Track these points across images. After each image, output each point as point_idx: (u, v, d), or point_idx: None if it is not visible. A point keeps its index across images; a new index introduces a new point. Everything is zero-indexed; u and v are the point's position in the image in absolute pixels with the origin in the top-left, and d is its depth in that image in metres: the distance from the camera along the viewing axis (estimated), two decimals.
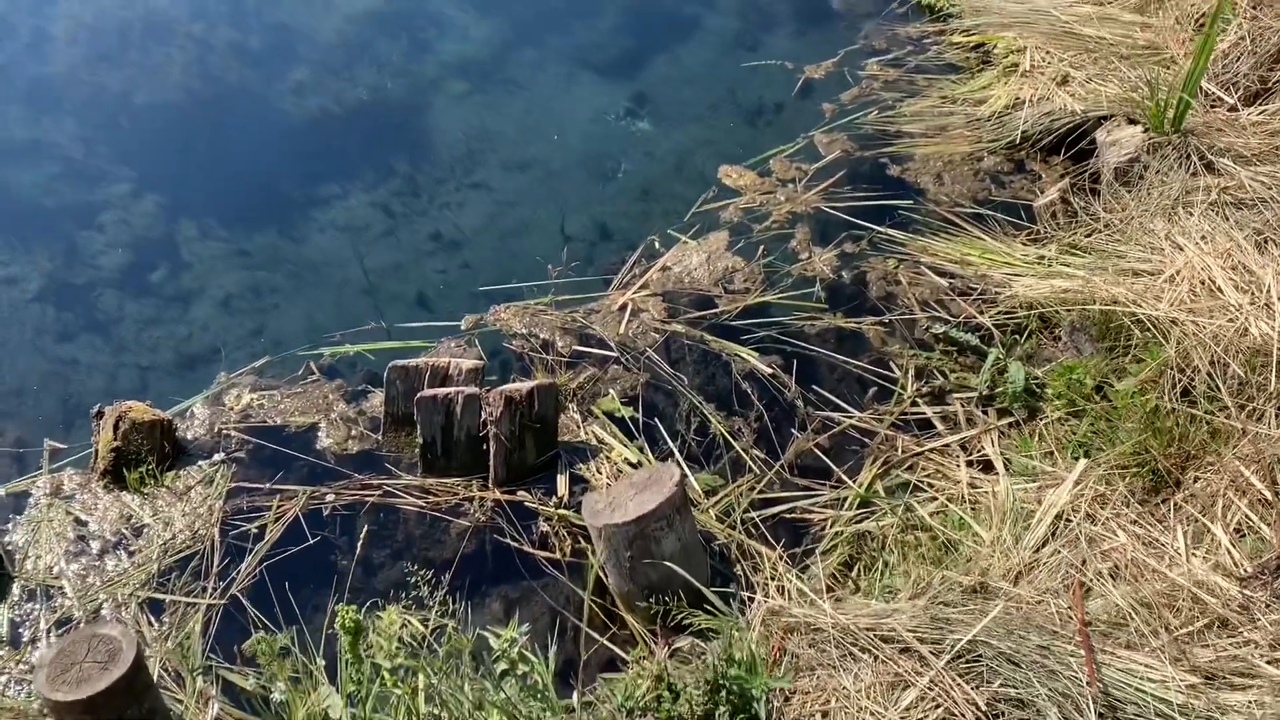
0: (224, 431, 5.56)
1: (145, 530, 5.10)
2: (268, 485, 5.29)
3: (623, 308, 6.26)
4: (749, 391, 5.81)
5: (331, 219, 7.19)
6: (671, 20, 8.92)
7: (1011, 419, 5.47)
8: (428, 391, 5.10)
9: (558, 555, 5.07)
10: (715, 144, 7.62)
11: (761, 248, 6.69)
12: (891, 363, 5.92)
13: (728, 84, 8.17)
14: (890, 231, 6.70)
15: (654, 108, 8.02)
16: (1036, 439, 5.31)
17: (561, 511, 5.13)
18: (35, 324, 6.39)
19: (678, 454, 5.48)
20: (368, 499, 5.21)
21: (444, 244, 7.05)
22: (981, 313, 6.06)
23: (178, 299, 6.72)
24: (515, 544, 5.09)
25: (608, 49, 8.61)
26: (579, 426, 5.57)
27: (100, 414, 5.36)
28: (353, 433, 5.52)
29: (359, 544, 5.13)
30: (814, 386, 5.83)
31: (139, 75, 7.93)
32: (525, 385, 5.18)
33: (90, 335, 6.32)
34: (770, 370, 5.86)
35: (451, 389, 5.11)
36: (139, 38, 8.31)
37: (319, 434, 5.59)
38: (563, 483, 5.28)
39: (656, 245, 6.86)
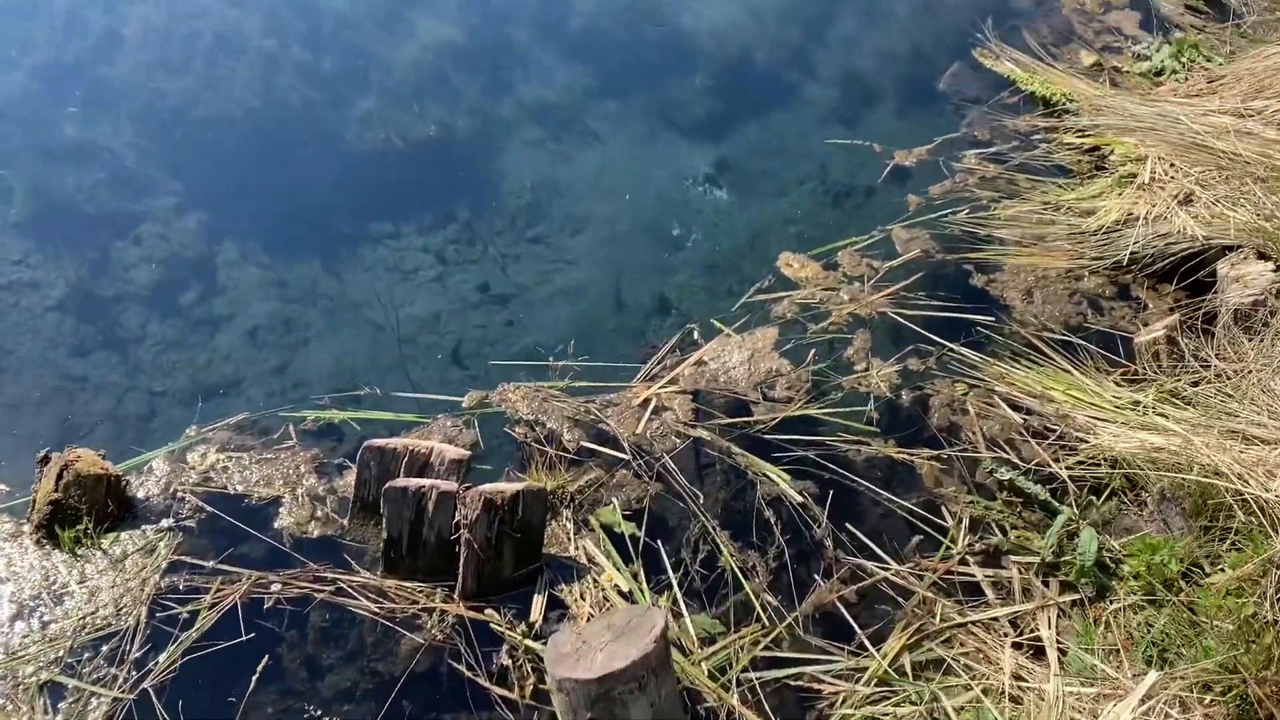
0: (179, 494, 4.90)
1: (67, 598, 4.44)
2: (211, 563, 4.60)
3: (645, 403, 5.48)
4: (772, 521, 4.96)
5: (380, 258, 6.59)
6: (767, 84, 8.21)
7: (1076, 596, 4.59)
8: (399, 481, 4.39)
9: (515, 695, 4.29)
10: (794, 224, 6.87)
11: (813, 352, 5.84)
12: (944, 507, 5.05)
13: (818, 160, 7.43)
14: (964, 351, 5.81)
15: (735, 177, 7.29)
16: (1102, 627, 4.40)
17: (529, 643, 4.36)
18: (50, 334, 5.93)
19: (676, 588, 4.68)
20: (318, 594, 4.51)
21: (490, 297, 6.37)
22: (1057, 460, 5.16)
23: (205, 323, 6.09)
24: (470, 674, 4.34)
25: (694, 109, 7.88)
26: (570, 538, 4.80)
27: (46, 459, 4.76)
28: (317, 513, 4.84)
29: (288, 645, 4.43)
30: (849, 525, 4.98)
31: (201, 87, 7.49)
32: (510, 488, 4.41)
33: (106, 352, 5.84)
34: (801, 498, 5.00)
35: (427, 481, 4.40)
36: (207, 47, 7.86)
37: (280, 510, 4.89)
38: (538, 605, 4.53)
39: (696, 335, 6.04)
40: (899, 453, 5.29)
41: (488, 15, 8.66)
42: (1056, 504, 4.96)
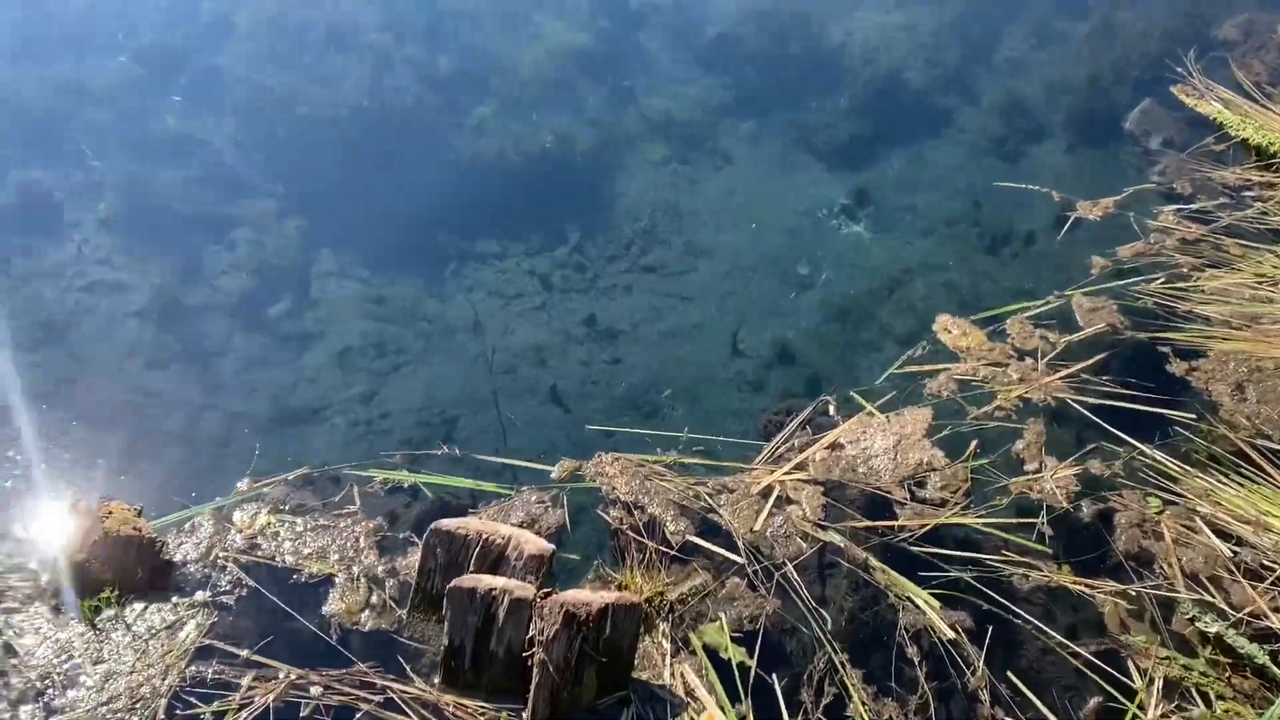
0: (221, 561, 4.15)
1: (78, 683, 3.70)
2: (246, 652, 3.82)
3: (766, 492, 4.50)
4: (915, 660, 3.94)
5: (483, 279, 5.87)
6: (920, 108, 7.22)
7: None
8: (466, 580, 3.58)
9: None
10: (942, 271, 5.88)
11: (975, 444, 4.79)
12: (1131, 660, 3.94)
13: (971, 197, 6.41)
14: (1158, 455, 4.66)
15: (876, 211, 6.35)
16: None
17: None
18: (129, 342, 5.35)
19: None
20: (363, 704, 3.72)
21: (597, 332, 5.57)
22: (1278, 611, 4.01)
23: (292, 340, 5.45)
24: None
25: (837, 131, 6.91)
26: (665, 661, 3.87)
27: (75, 513, 4.07)
28: (373, 599, 4.06)
29: None
30: (1010, 673, 3.91)
31: (308, 81, 6.89)
32: (597, 599, 3.53)
33: (185, 365, 5.26)
34: (953, 633, 3.97)
35: (499, 582, 3.56)
36: (318, 39, 7.26)
37: (332, 592, 4.10)
38: None
39: (831, 409, 5.03)
40: (1076, 583, 4.17)
41: (619, 18, 7.83)
42: (1278, 670, 3.78)
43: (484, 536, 3.73)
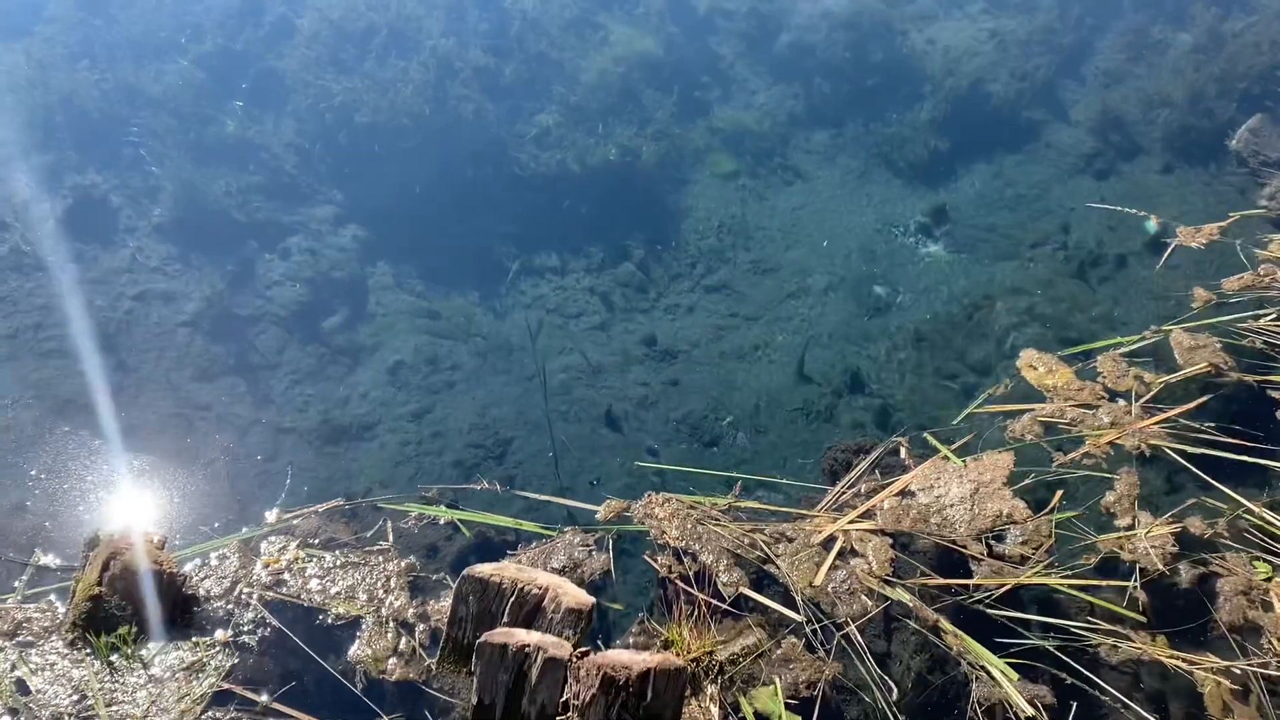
0: (245, 597, 3.89)
1: None
2: (264, 699, 3.56)
3: (828, 542, 4.08)
4: None
5: (541, 296, 5.60)
6: (1004, 122, 6.76)
7: None
8: (497, 634, 3.22)
9: None
10: (1025, 295, 5.45)
11: (1059, 494, 4.32)
12: None
13: (1060, 218, 5.98)
14: (1267, 515, 4.16)
15: (955, 229, 5.95)
16: None
17: None
18: (178, 353, 5.17)
19: None
20: None
21: (657, 353, 5.25)
22: None
23: (346, 354, 5.24)
24: None
25: (915, 145, 6.48)
26: None
27: (95, 543, 3.83)
28: (401, 645, 3.77)
29: None
30: None
31: (369, 88, 6.63)
32: (638, 661, 3.16)
33: (235, 378, 5.07)
34: (1032, 710, 3.51)
35: (533, 638, 3.20)
36: (381, 44, 7.03)
37: (359, 635, 3.82)
38: None
39: (903, 452, 4.60)
40: (1172, 657, 3.66)
41: (690, 25, 7.47)
42: None
43: (519, 586, 3.40)
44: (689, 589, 3.95)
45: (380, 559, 4.10)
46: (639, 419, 5.00)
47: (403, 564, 4.09)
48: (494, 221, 6.11)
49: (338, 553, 4.13)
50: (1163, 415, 4.63)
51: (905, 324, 5.41)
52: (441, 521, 4.33)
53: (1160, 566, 3.98)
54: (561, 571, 3.96)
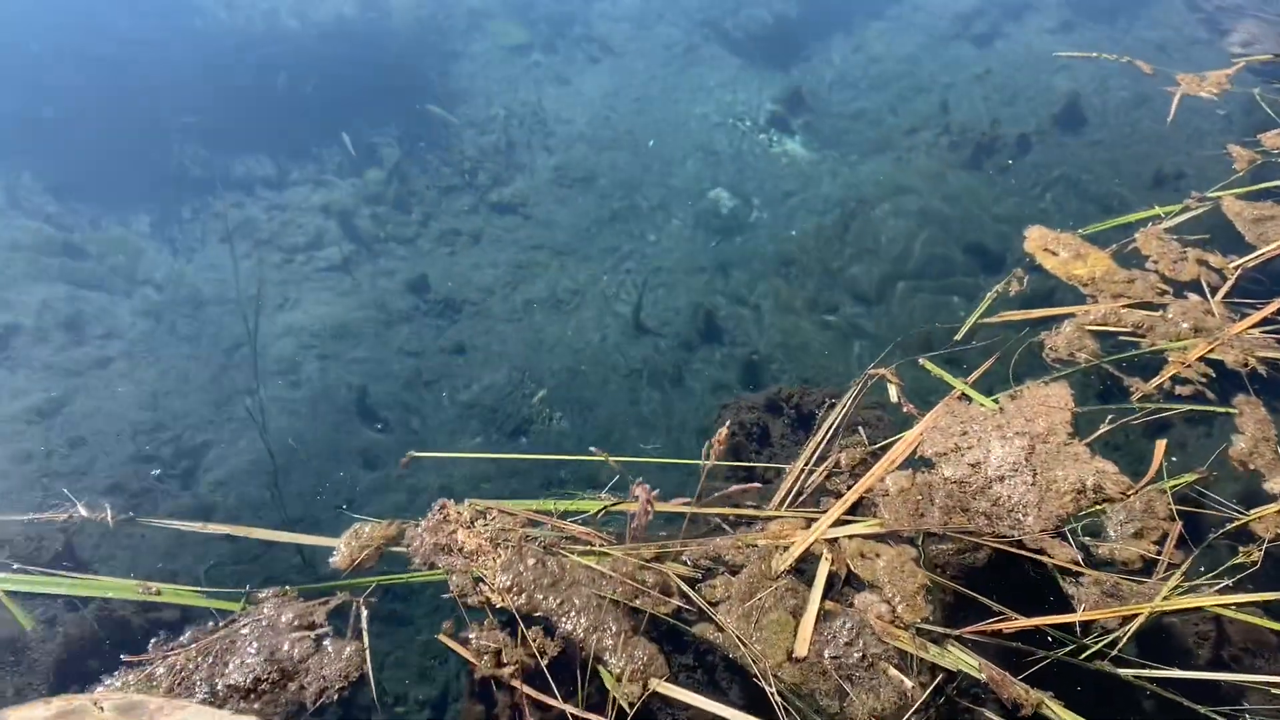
0: None
1: None
2: None
3: (804, 566, 2.37)
4: None
5: (249, 220, 3.75)
6: None
7: None
8: None
9: None
10: (910, 195, 4.08)
11: (1161, 446, 2.76)
12: None
13: (937, 96, 4.61)
14: None
15: (815, 119, 4.49)
16: None
17: None
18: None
19: None
20: None
21: (430, 304, 3.56)
22: None
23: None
24: None
25: (754, 10, 4.98)
26: None
27: None
28: None
29: None
30: None
31: None
32: None
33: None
34: None
35: None
36: None
37: None
38: None
39: (892, 392, 3.01)
40: None
41: None
42: None
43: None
44: (543, 698, 2.12)
45: None
46: (410, 405, 3.29)
47: None
48: (169, 105, 4.11)
49: None
50: (1260, 314, 3.11)
51: (764, 246, 3.90)
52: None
53: None
54: (252, 690, 2.17)
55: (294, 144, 4.03)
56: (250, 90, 4.21)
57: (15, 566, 2.47)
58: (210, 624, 2.38)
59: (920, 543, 2.40)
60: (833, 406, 2.90)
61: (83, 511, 2.68)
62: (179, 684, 2.15)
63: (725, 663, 2.24)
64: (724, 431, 2.61)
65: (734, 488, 2.62)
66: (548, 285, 3.69)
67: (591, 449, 2.97)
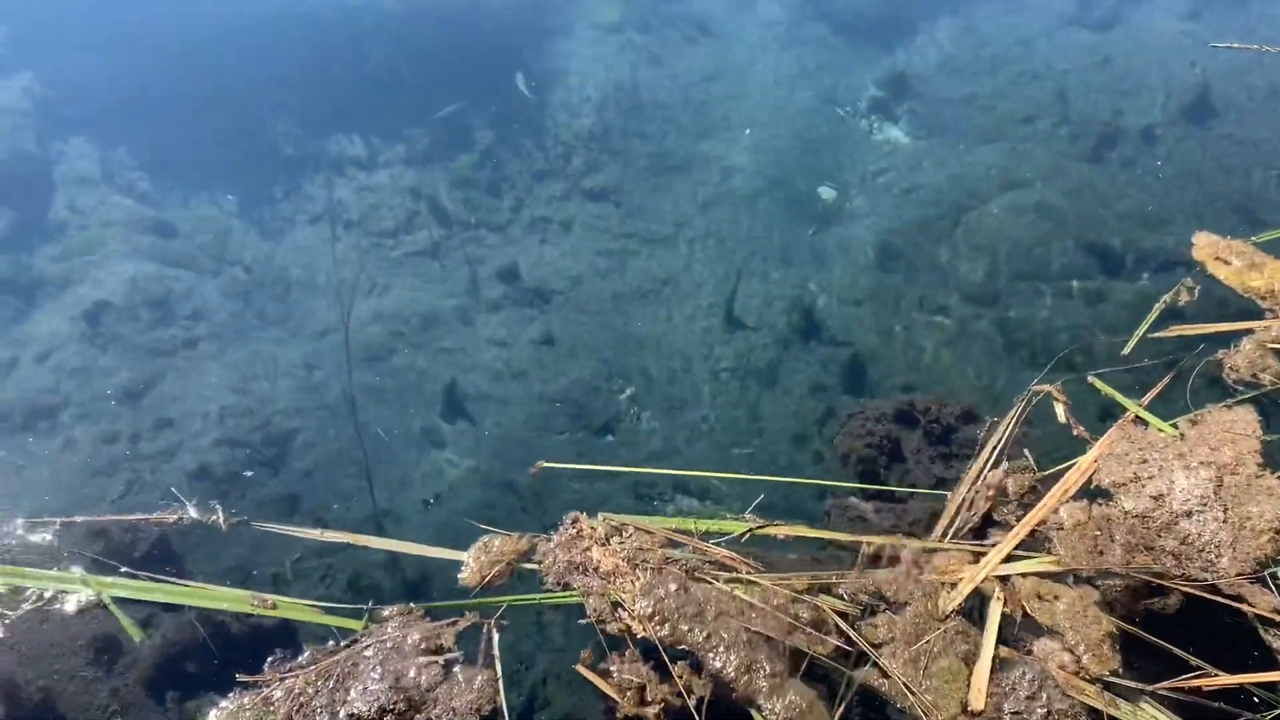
0: None
1: None
2: None
3: (971, 606, 2.21)
4: None
5: (338, 201, 3.70)
6: None
7: None
8: None
9: None
10: (1029, 187, 3.76)
11: None
12: None
13: (1054, 83, 4.31)
14: None
15: (920, 106, 4.26)
16: None
17: None
18: None
19: None
20: None
21: (520, 292, 3.47)
22: None
23: (12, 288, 3.53)
24: None
25: None
26: None
27: None
28: None
29: None
30: None
31: None
32: None
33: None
34: None
35: None
36: None
37: None
38: None
39: (1060, 412, 2.73)
40: None
41: None
42: None
43: None
44: None
45: None
46: (497, 398, 3.19)
47: None
48: (263, 86, 4.06)
49: None
50: None
51: (866, 238, 3.70)
52: (105, 603, 2.33)
53: None
54: None
55: (385, 125, 3.94)
56: (343, 70, 4.13)
57: (123, 570, 2.40)
58: (330, 643, 2.27)
59: (1100, 584, 2.20)
60: (975, 423, 2.71)
61: (193, 513, 2.60)
62: (298, 711, 2.04)
63: (873, 708, 2.07)
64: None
65: (868, 505, 2.45)
66: (638, 275, 3.56)
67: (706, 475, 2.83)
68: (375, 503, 2.87)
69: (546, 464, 2.84)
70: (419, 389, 3.20)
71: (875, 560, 2.27)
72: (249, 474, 2.93)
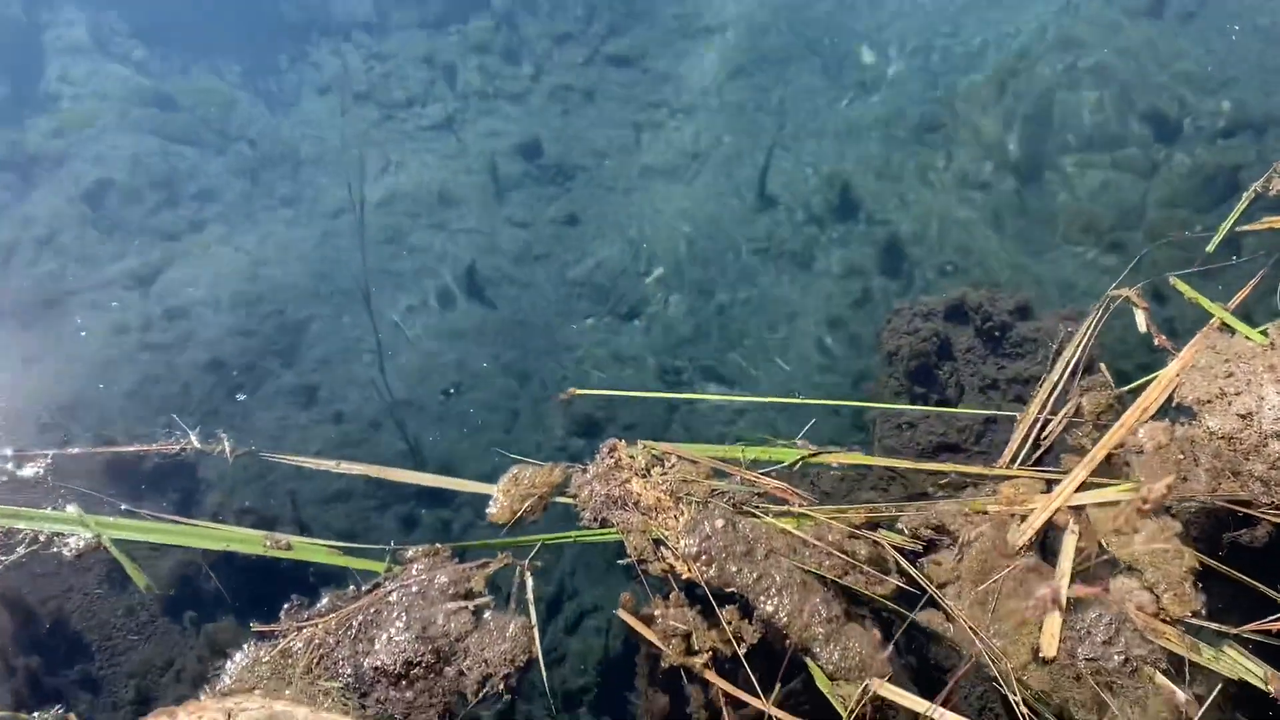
0: None
1: None
2: None
3: (1042, 540, 2.02)
4: None
5: (347, 70, 3.53)
6: None
7: None
8: None
9: None
10: (1083, 47, 3.43)
11: None
12: None
13: None
14: None
15: None
16: None
17: None
18: None
19: None
20: None
21: (540, 169, 3.27)
22: None
23: (7, 165, 3.40)
24: None
25: None
26: None
27: None
28: None
29: None
30: None
31: None
32: None
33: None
34: None
35: None
36: None
37: None
38: None
39: (1141, 319, 2.48)
40: None
41: None
42: None
43: None
44: (741, 694, 1.84)
45: None
46: (519, 281, 3.05)
47: None
48: None
49: None
50: None
51: (906, 107, 3.46)
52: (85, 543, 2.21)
53: None
54: (403, 676, 1.94)
55: None
56: None
57: (124, 508, 2.30)
58: (351, 588, 2.14)
59: (1177, 508, 2.01)
60: (1028, 318, 2.52)
61: (195, 443, 2.49)
62: (318, 662, 1.92)
63: (955, 662, 1.93)
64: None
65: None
66: (666, 149, 3.35)
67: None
68: (392, 393, 2.77)
69: (579, 391, 2.70)
70: (436, 272, 3.05)
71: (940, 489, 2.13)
72: (260, 369, 2.82)
